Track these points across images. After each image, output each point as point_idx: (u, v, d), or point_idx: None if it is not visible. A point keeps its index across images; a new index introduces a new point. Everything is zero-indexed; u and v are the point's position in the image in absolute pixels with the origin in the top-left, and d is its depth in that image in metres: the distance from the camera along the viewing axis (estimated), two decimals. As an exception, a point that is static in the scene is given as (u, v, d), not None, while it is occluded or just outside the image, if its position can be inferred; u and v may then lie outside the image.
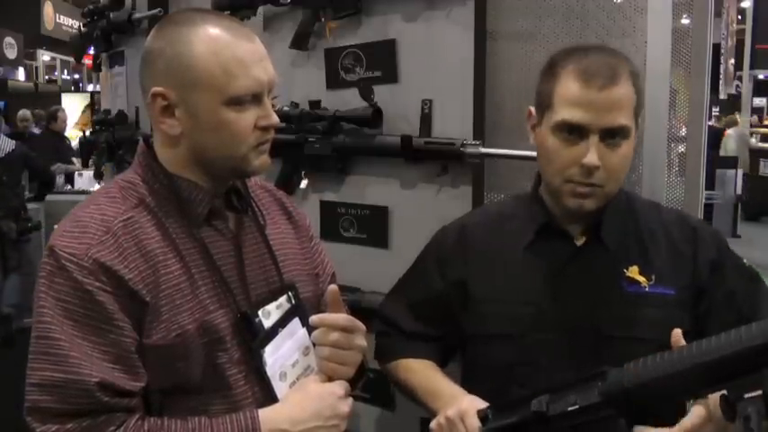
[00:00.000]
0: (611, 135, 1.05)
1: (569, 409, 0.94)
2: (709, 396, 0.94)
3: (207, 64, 0.94)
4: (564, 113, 1.06)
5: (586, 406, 0.93)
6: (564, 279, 1.13)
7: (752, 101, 9.54)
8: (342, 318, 1.04)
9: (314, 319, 1.03)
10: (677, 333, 0.94)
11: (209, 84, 0.94)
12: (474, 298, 1.20)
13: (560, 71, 1.09)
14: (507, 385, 1.12)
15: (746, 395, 0.82)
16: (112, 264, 0.91)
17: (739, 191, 7.81)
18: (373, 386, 1.71)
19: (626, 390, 0.89)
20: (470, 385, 1.21)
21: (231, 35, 0.96)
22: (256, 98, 0.98)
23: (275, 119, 1.00)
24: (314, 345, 1.06)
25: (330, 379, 1.04)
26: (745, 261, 1.16)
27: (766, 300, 1.12)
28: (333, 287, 1.07)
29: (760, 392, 0.80)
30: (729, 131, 8.87)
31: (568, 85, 1.06)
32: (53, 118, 6.65)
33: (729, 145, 8.63)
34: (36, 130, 7.22)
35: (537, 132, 1.14)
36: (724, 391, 0.87)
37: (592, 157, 1.04)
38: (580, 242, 1.15)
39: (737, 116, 9.73)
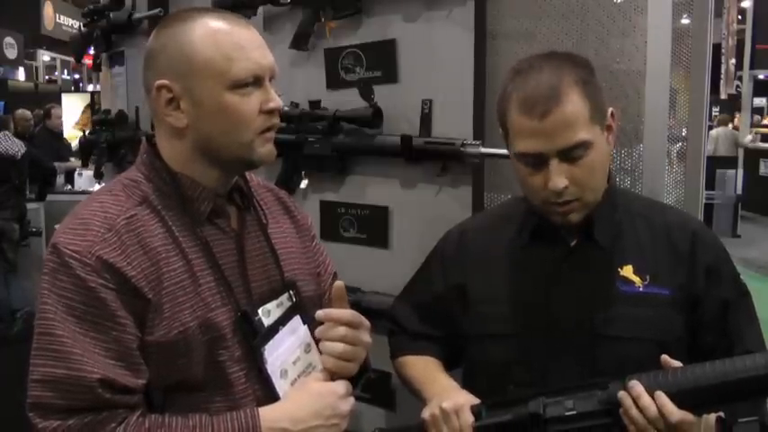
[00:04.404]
0: (572, 152, 1.05)
1: (566, 413, 0.95)
2: (704, 416, 0.96)
3: (207, 51, 0.96)
4: (520, 146, 1.08)
5: (584, 413, 0.94)
6: (558, 279, 1.13)
7: (752, 101, 9.50)
8: (347, 313, 1.04)
9: (320, 313, 1.04)
10: (665, 358, 0.98)
11: (211, 70, 0.96)
12: (472, 299, 1.21)
13: (508, 96, 1.09)
14: (504, 384, 1.13)
15: (741, 420, 0.85)
16: (115, 261, 0.92)
17: (739, 191, 7.80)
18: (374, 386, 1.72)
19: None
20: (469, 384, 1.21)
21: (229, 24, 0.99)
22: (258, 81, 0.99)
23: (279, 101, 1.02)
24: (316, 342, 1.06)
25: (332, 376, 1.04)
26: (740, 274, 1.16)
27: (748, 321, 1.13)
28: (339, 283, 1.07)
29: (756, 418, 0.84)
30: (711, 132, 8.77)
31: (516, 118, 1.07)
32: (47, 115, 6.63)
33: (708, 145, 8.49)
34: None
35: (509, 148, 1.14)
36: (721, 413, 0.90)
37: (555, 182, 1.05)
38: (573, 242, 1.15)
39: (736, 116, 9.68)
